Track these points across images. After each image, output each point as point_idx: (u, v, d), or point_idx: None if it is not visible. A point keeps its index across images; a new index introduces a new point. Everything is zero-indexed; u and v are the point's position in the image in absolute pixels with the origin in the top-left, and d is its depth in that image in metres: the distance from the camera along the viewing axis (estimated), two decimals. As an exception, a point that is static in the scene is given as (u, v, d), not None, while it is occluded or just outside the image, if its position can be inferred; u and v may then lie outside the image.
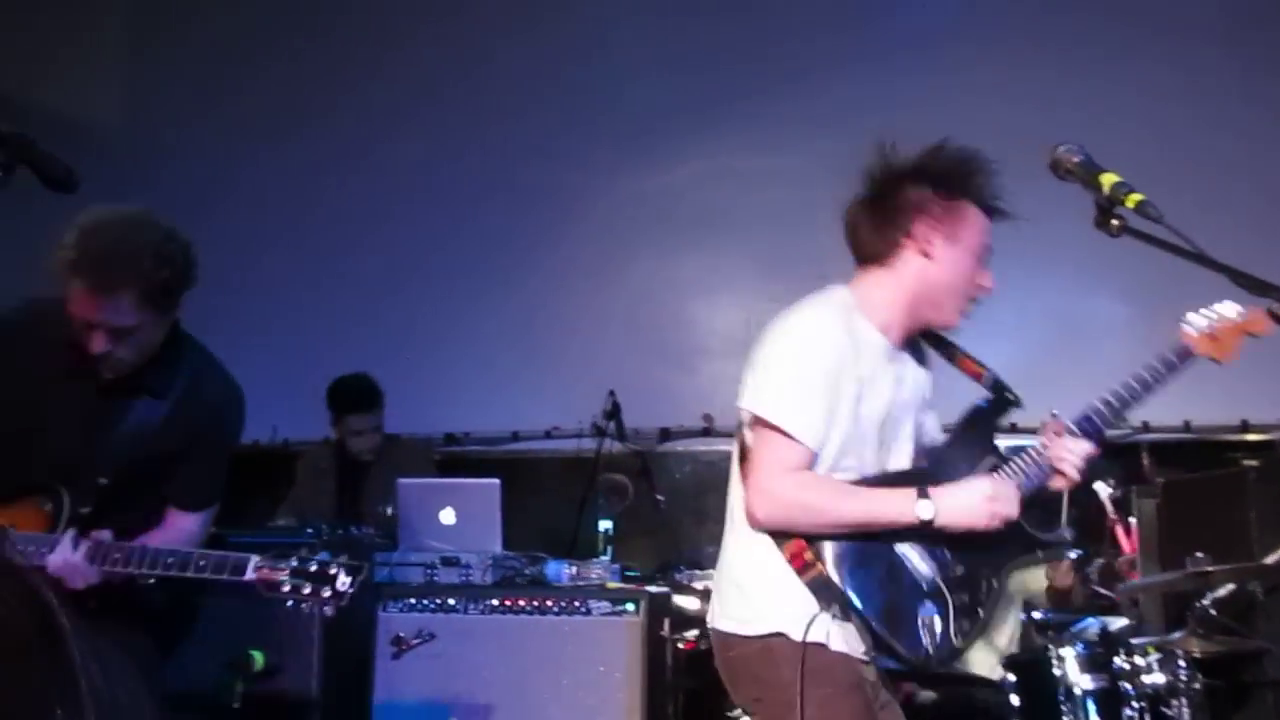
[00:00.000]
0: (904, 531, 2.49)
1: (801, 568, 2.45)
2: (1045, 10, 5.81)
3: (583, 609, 4.17)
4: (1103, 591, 4.95)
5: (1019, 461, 2.60)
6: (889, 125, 6.15)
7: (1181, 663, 3.84)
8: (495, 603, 4.24)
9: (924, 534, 2.48)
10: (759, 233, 6.08)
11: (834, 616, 2.41)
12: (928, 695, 4.13)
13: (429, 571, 4.41)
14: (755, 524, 2.46)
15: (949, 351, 2.84)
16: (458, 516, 4.57)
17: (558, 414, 5.95)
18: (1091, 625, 4.38)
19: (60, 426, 2.67)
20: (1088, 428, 2.62)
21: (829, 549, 2.46)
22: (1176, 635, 4.00)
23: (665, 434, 5.94)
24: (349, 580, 2.56)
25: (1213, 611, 4.01)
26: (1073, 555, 4.85)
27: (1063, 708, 3.80)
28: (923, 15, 6.09)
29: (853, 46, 6.00)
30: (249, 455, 6.17)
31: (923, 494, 2.44)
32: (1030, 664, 4.01)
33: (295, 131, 6.47)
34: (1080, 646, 3.97)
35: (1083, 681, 3.84)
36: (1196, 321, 2.87)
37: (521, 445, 6.11)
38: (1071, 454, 2.57)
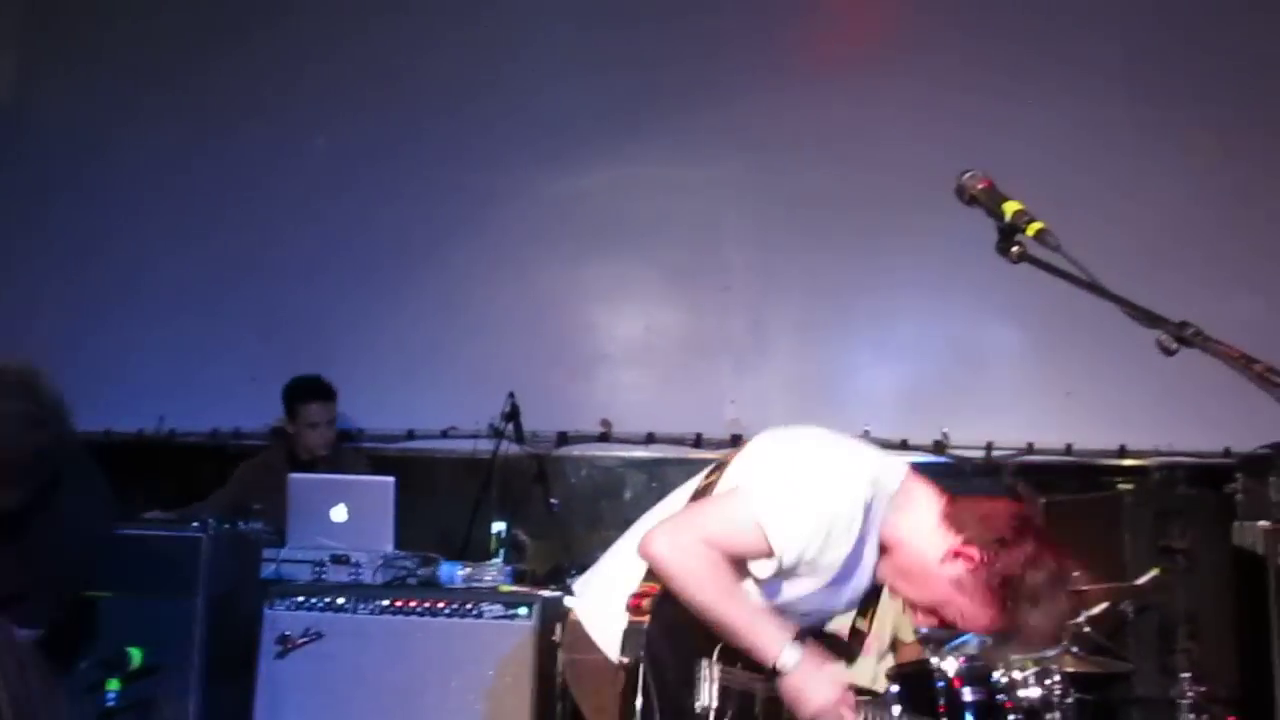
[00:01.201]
0: (708, 647, 2.39)
1: (635, 609, 2.39)
2: (961, 41, 5.95)
3: (474, 612, 4.14)
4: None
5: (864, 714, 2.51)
6: (801, 147, 6.31)
7: (1056, 678, 3.97)
8: (385, 603, 4.18)
9: (758, 670, 2.40)
10: (664, 243, 6.11)
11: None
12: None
13: (318, 569, 4.33)
14: (644, 551, 2.39)
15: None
16: (349, 514, 4.49)
17: (455, 414, 5.90)
18: (972, 640, 4.49)
19: None
20: None
21: (663, 615, 2.39)
22: (1052, 652, 4.13)
23: (563, 438, 5.93)
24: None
25: (1086, 629, 4.14)
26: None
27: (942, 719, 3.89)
28: (837, 37, 6.20)
29: (767, 64, 6.07)
30: (132, 444, 6.05)
31: (796, 640, 2.37)
32: (912, 675, 4.09)
33: (202, 123, 6.32)
34: (962, 660, 4.07)
35: (963, 694, 3.94)
36: None
37: (417, 444, 6.03)
38: None
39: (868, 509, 2.40)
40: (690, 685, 2.38)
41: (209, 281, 6.21)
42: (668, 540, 2.37)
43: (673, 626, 2.38)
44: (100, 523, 2.62)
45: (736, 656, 2.42)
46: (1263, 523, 4.57)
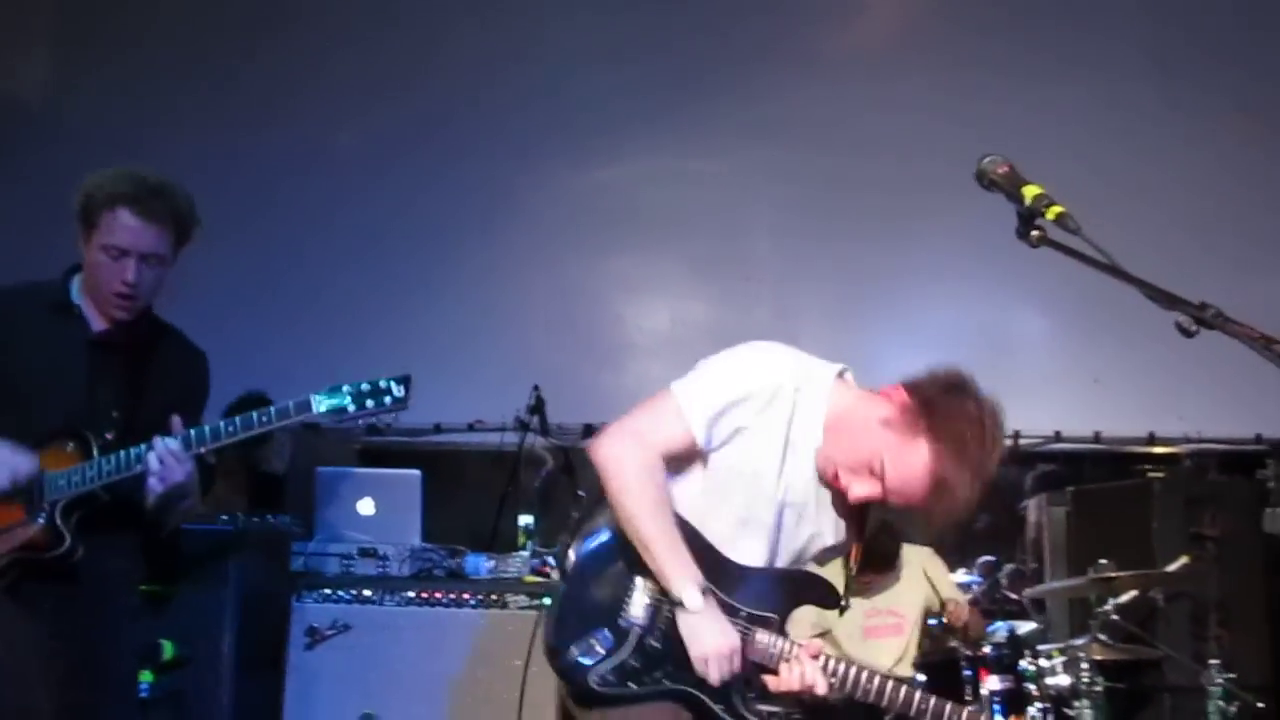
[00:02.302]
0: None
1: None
2: (982, 30, 5.91)
3: (500, 603, 4.16)
4: (1011, 596, 5.07)
5: (770, 638, 2.42)
6: (824, 135, 6.29)
7: (1084, 666, 3.95)
8: (412, 595, 4.22)
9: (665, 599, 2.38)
10: (690, 234, 6.11)
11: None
12: (837, 697, 4.18)
13: (346, 562, 4.37)
14: (590, 453, 2.43)
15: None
16: (377, 507, 4.53)
17: (481, 407, 5.92)
18: (1000, 629, 4.48)
19: (63, 380, 2.88)
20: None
21: (603, 523, 2.45)
22: (1081, 640, 4.12)
23: (589, 430, 5.93)
24: (401, 387, 2.80)
25: (1115, 617, 4.12)
26: (972, 589, 4.94)
27: (970, 708, 3.88)
28: (862, 28, 6.18)
29: (789, 52, 6.05)
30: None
31: (706, 590, 2.33)
32: (940, 665, 4.09)
33: (231, 121, 6.36)
34: (989, 649, 4.07)
35: (990, 682, 3.94)
36: None
37: (444, 438, 6.05)
38: (797, 680, 2.39)
39: (794, 390, 2.39)
40: (620, 599, 2.40)
41: (239, 279, 6.25)
42: (609, 441, 2.40)
43: (616, 541, 2.42)
44: None
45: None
46: (1294, 509, 4.54)
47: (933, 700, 2.47)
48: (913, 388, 2.37)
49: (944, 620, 4.46)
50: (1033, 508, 5.62)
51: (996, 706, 3.91)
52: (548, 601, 4.09)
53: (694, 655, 2.34)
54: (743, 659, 2.38)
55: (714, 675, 2.34)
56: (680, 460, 2.43)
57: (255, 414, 2.76)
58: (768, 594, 2.45)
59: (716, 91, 6.05)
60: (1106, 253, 1.90)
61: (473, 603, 4.17)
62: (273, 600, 4.21)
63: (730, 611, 2.40)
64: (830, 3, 6.21)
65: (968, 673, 4.05)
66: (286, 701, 4.12)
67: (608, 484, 2.40)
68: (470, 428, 6.01)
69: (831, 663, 2.43)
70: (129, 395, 2.91)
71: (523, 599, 4.15)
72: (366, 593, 4.23)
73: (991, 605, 5.08)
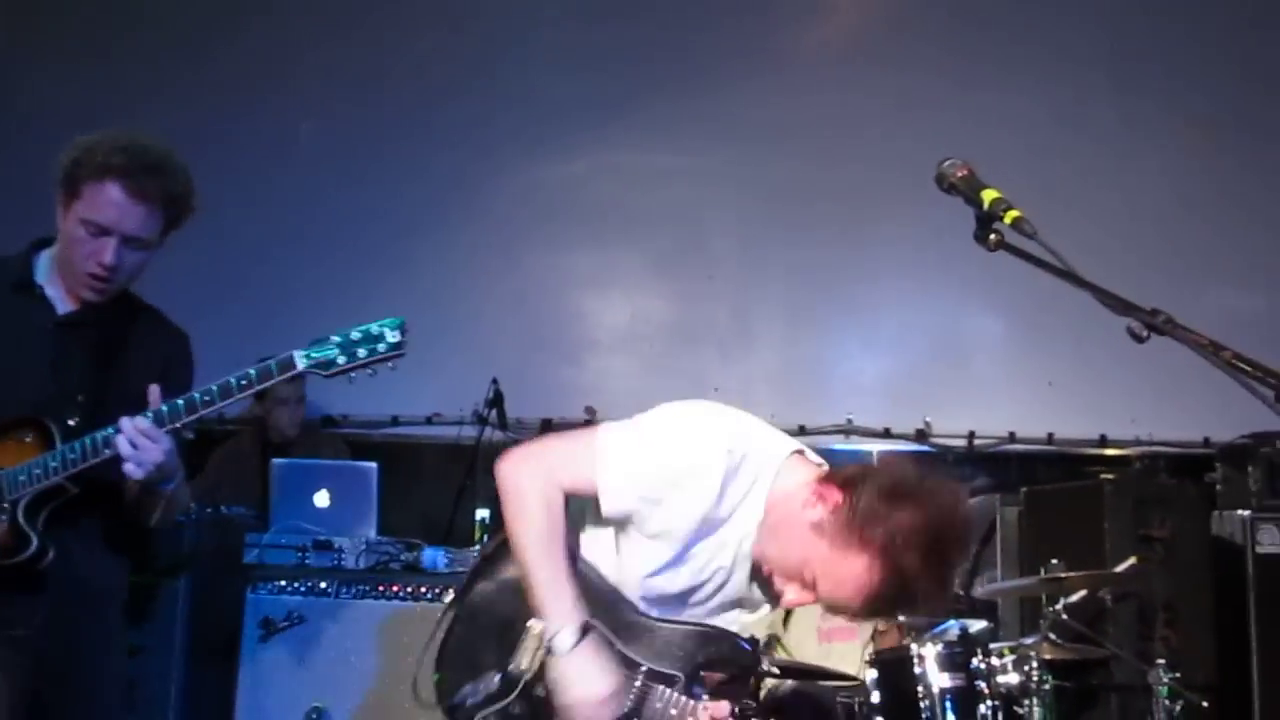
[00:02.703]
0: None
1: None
2: (945, 30, 5.97)
3: (457, 596, 4.15)
4: (961, 594, 5.13)
5: (670, 696, 2.25)
6: (787, 136, 6.33)
7: (1034, 665, 4.00)
8: (368, 588, 4.20)
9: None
10: (651, 230, 6.13)
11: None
12: (789, 693, 4.21)
13: (300, 554, 4.34)
14: (496, 469, 2.26)
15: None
16: (332, 499, 4.51)
17: (440, 401, 5.91)
18: (952, 627, 4.52)
19: (23, 367, 2.61)
20: None
21: (497, 557, 2.33)
22: (1031, 639, 4.16)
23: (548, 425, 5.93)
24: (396, 331, 2.53)
25: (1065, 616, 4.17)
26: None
27: (921, 705, 3.92)
28: (827, 31, 6.21)
29: (753, 53, 6.08)
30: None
31: (584, 629, 2.17)
32: (892, 662, 4.12)
33: (190, 109, 6.29)
34: (941, 647, 4.11)
35: (941, 680, 3.97)
36: None
37: (402, 430, 6.04)
38: None
39: (728, 472, 2.16)
40: (503, 640, 2.26)
41: (195, 267, 6.18)
42: (518, 463, 2.25)
43: (510, 578, 2.28)
44: None
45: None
46: (1242, 512, 4.62)
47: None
48: (850, 487, 2.12)
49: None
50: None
51: (948, 703, 3.94)
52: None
53: (558, 703, 2.17)
54: (635, 703, 2.21)
55: None
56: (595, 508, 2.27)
57: (234, 378, 2.46)
58: (674, 650, 2.27)
59: (680, 89, 6.07)
60: (1062, 258, 1.92)
61: (429, 596, 4.16)
62: (226, 591, 4.19)
63: (629, 666, 2.24)
64: (796, 5, 6.23)
65: (919, 671, 4.08)
66: (238, 692, 4.09)
67: (505, 505, 2.24)
68: (428, 420, 5.99)
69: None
70: (97, 376, 2.63)
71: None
72: (321, 585, 4.21)
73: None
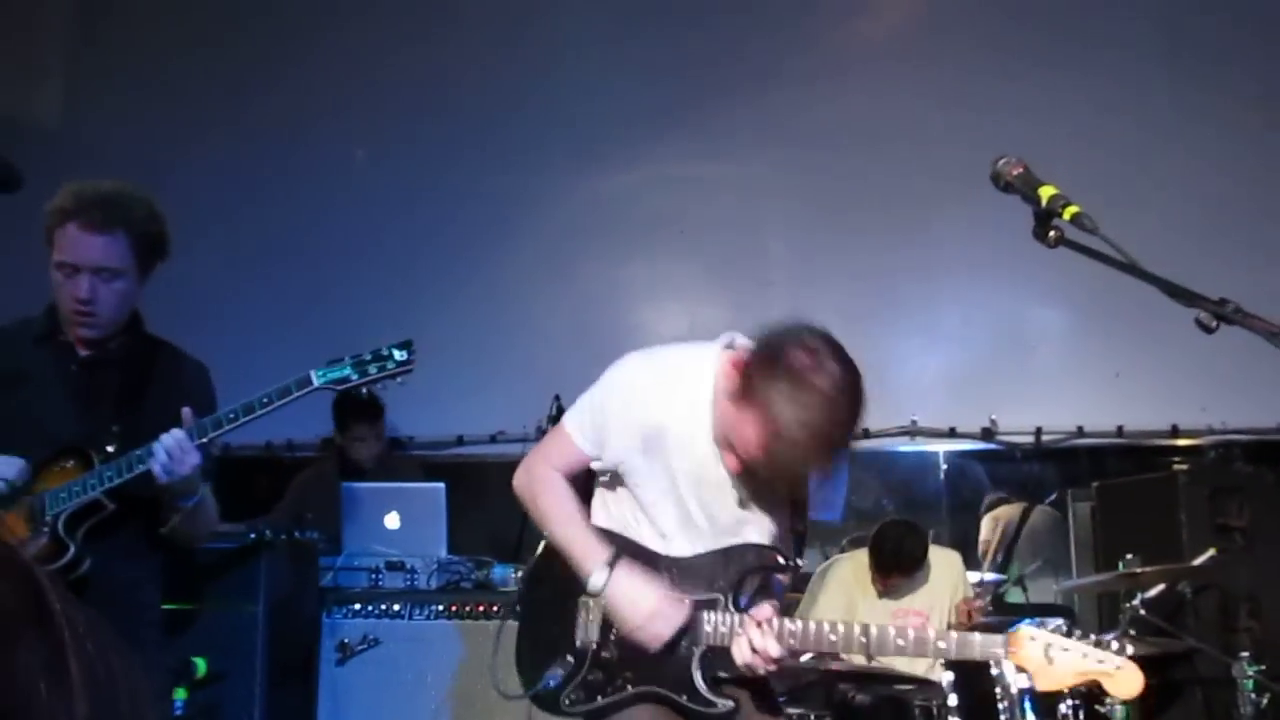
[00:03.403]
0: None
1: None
2: (993, 24, 5.92)
3: (529, 613, 4.17)
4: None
5: (718, 616, 2.44)
6: (835, 136, 6.29)
7: (1113, 663, 3.94)
8: (441, 607, 4.23)
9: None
10: (706, 240, 6.13)
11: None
12: (864, 698, 4.18)
13: (374, 576, 4.39)
14: (514, 481, 2.65)
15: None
16: (402, 521, 4.55)
17: (503, 418, 5.95)
18: (1027, 624, 4.46)
19: (55, 409, 2.84)
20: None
21: (541, 554, 2.67)
22: (1110, 635, 4.10)
23: (610, 439, 5.95)
24: (404, 351, 2.80)
25: (1143, 611, 4.11)
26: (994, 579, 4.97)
27: (999, 706, 3.88)
28: (872, 28, 6.18)
29: (804, 57, 6.06)
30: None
31: (612, 564, 2.44)
32: (968, 664, 4.08)
33: (247, 141, 6.41)
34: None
35: (1019, 680, 3.92)
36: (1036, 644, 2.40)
37: (467, 449, 6.09)
38: (753, 653, 2.35)
39: (655, 381, 2.51)
40: (565, 622, 2.53)
41: (257, 296, 6.30)
42: (521, 469, 2.64)
43: (555, 567, 2.56)
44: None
45: None
46: (1322, 497, 4.52)
47: (911, 633, 2.41)
48: (744, 358, 2.36)
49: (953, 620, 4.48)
50: (988, 519, 5.71)
51: (1027, 703, 3.89)
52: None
53: (627, 634, 2.43)
54: (689, 632, 2.42)
55: (651, 640, 2.41)
56: (603, 482, 2.63)
57: (256, 398, 2.70)
58: (708, 576, 2.49)
59: (727, 98, 6.07)
60: (1124, 251, 1.90)
61: (502, 614, 4.18)
62: (302, 615, 4.24)
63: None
64: (840, 8, 6.21)
65: (995, 672, 4.03)
66: (320, 716, 4.14)
67: (523, 502, 2.61)
68: (492, 439, 6.04)
69: (783, 624, 2.38)
70: (127, 408, 2.86)
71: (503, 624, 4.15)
72: (395, 606, 4.25)
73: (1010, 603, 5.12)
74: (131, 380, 2.91)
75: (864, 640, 2.39)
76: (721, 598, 2.46)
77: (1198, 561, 4.36)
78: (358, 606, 4.26)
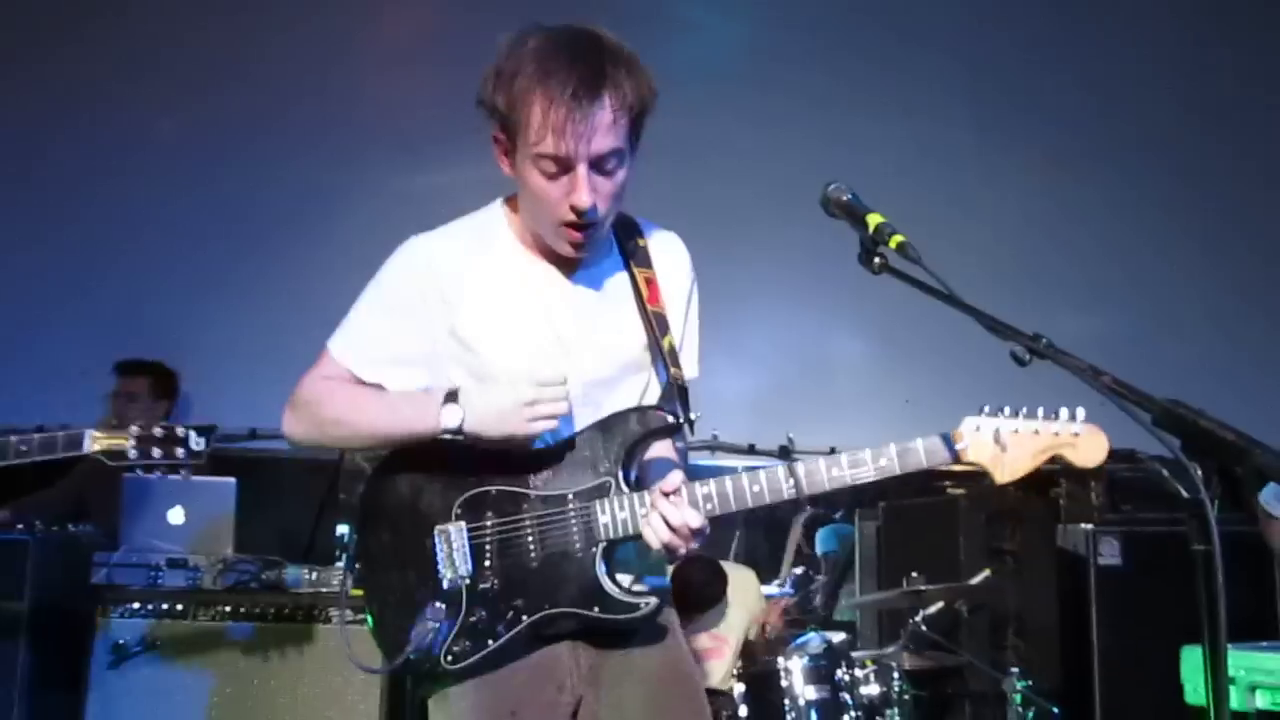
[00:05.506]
0: (444, 513, 2.16)
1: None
2: (809, 54, 6.13)
3: (323, 617, 4.04)
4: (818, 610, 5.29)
5: (613, 503, 2.15)
6: (652, 154, 6.32)
7: (895, 675, 4.12)
8: (228, 609, 4.05)
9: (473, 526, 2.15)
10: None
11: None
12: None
13: (153, 574, 4.16)
14: (286, 436, 2.29)
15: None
16: (187, 516, 4.35)
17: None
18: (816, 640, 4.62)
19: None
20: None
21: (367, 494, 2.25)
22: (891, 649, 4.29)
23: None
24: (201, 440, 2.56)
25: (923, 628, 4.31)
26: (781, 593, 5.13)
27: (788, 717, 3.99)
28: (691, 50, 6.29)
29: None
30: None
31: (450, 398, 2.10)
32: (759, 675, 4.19)
33: (47, 109, 6.02)
34: (806, 659, 4.19)
35: (807, 692, 4.06)
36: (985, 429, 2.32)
37: (259, 444, 5.85)
38: (670, 531, 2.08)
39: (446, 256, 2.38)
40: (420, 564, 2.14)
41: (46, 271, 5.93)
42: (286, 407, 2.30)
43: (389, 502, 2.20)
44: None
45: (482, 505, 2.17)
46: (1084, 525, 4.85)
47: (845, 458, 2.20)
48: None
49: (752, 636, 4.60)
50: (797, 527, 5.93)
51: (814, 715, 4.02)
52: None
53: (521, 431, 2.09)
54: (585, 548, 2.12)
55: (532, 425, 2.09)
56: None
57: (14, 444, 2.44)
58: (590, 459, 2.18)
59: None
60: (944, 283, 1.99)
61: (293, 616, 4.04)
62: (73, 615, 3.98)
63: (557, 504, 2.15)
64: (666, 26, 6.30)
65: (785, 684, 4.15)
66: (87, 722, 3.90)
67: (327, 435, 2.25)
68: (287, 434, 5.82)
69: (695, 489, 2.11)
70: None
71: (347, 613, 4.03)
72: (177, 606, 4.04)
73: (803, 615, 5.28)
74: None
75: (792, 483, 2.13)
76: (611, 480, 2.15)
77: (974, 581, 4.62)
78: (135, 606, 4.02)
